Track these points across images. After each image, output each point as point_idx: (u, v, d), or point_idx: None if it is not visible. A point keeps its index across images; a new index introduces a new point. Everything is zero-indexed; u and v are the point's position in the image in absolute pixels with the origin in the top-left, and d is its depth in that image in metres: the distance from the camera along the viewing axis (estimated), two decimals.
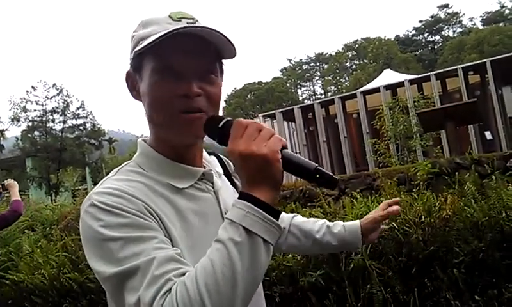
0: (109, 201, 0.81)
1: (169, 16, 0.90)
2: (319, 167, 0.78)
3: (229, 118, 0.85)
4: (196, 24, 0.89)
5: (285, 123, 17.03)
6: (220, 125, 0.85)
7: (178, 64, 0.87)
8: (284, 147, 0.79)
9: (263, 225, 0.74)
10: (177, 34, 0.83)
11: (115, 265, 0.76)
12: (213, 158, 1.13)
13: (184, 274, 0.74)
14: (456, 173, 3.73)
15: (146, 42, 0.85)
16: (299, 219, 1.38)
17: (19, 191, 4.12)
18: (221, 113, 0.97)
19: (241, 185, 0.81)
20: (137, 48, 0.87)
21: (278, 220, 0.76)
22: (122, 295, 0.75)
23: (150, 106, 0.90)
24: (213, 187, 0.99)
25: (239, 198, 0.77)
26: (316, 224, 1.36)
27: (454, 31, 66.59)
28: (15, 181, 4.11)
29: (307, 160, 0.80)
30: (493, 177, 3.29)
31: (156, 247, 0.77)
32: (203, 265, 0.72)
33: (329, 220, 3.20)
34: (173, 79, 0.86)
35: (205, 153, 1.05)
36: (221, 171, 1.11)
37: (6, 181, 4.13)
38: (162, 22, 0.89)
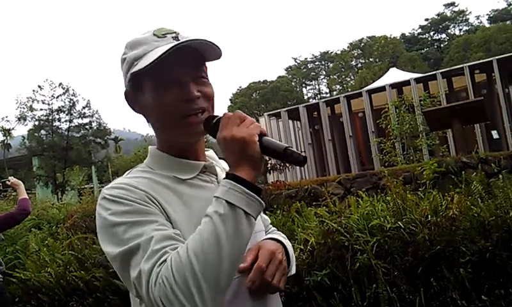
0: (115, 193, 0.93)
1: (154, 34, 1.00)
2: (288, 148, 0.90)
3: (221, 116, 0.97)
4: (179, 36, 1.00)
5: (290, 121, 17.02)
6: (213, 121, 0.97)
7: (177, 75, 0.98)
8: (263, 134, 0.92)
9: (243, 199, 0.85)
10: (171, 49, 0.93)
11: (120, 246, 0.87)
12: (223, 161, 1.19)
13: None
14: (463, 172, 3.72)
15: (142, 63, 0.94)
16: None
17: (25, 190, 4.11)
18: (225, 111, 1.09)
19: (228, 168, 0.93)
20: (134, 70, 0.96)
21: (259, 195, 0.87)
22: (128, 272, 0.86)
23: (158, 115, 1.01)
24: (216, 178, 1.08)
25: (225, 178, 0.88)
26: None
27: (460, 29, 66.18)
28: (19, 180, 4.07)
29: (279, 142, 0.93)
30: (500, 176, 3.27)
31: (155, 228, 0.87)
32: (193, 237, 0.83)
33: (335, 220, 3.19)
34: (175, 89, 0.97)
35: (213, 154, 1.17)
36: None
37: (8, 179, 4.08)
38: (149, 41, 0.98)
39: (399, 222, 2.93)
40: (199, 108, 0.99)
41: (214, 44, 0.98)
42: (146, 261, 0.82)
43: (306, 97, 66.46)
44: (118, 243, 0.88)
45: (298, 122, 17.03)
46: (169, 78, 0.97)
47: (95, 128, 25.78)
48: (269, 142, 0.92)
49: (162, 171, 1.02)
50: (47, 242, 5.06)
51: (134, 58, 0.97)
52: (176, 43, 0.94)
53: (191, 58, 0.99)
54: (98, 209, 0.95)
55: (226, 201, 0.84)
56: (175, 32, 1.00)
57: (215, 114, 1.02)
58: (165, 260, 0.82)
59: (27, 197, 3.97)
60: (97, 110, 26.22)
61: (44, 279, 4.19)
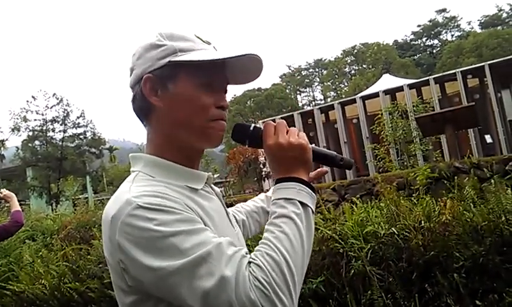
0: (156, 202, 0.84)
1: (197, 37, 1.01)
2: (337, 156, 1.03)
3: (254, 124, 1.04)
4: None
5: None
6: (251, 128, 1.02)
7: (218, 82, 1.00)
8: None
9: (310, 198, 0.93)
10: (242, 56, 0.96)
11: (182, 257, 0.79)
12: None
13: (247, 252, 0.84)
14: (455, 177, 3.73)
15: (198, 56, 0.95)
16: (246, 205, 1.47)
17: (20, 201, 4.05)
18: None
19: (276, 173, 0.97)
20: (182, 58, 0.95)
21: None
22: (194, 285, 0.78)
23: (189, 112, 0.97)
24: (214, 191, 1.07)
25: (283, 181, 0.94)
26: (262, 199, 1.48)
27: (452, 35, 66.79)
28: (11, 192, 4.00)
29: (326, 149, 1.05)
30: (492, 181, 3.30)
31: (213, 235, 0.84)
32: (276, 236, 0.85)
33: (329, 227, 3.19)
34: (212, 93, 0.98)
35: None
36: None
37: (0, 191, 4.00)
38: (195, 40, 1.00)
39: (393, 229, 2.94)
40: (225, 118, 1.01)
41: (260, 68, 1.03)
42: (226, 266, 0.78)
43: (300, 104, 66.64)
44: (177, 254, 0.79)
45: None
46: (210, 81, 0.98)
47: (90, 138, 25.61)
48: (318, 149, 1.03)
49: (169, 179, 0.94)
50: (41, 253, 5.03)
51: (179, 49, 0.96)
52: (246, 53, 0.96)
53: (225, 73, 1.02)
54: (134, 220, 0.82)
55: (299, 202, 0.91)
56: (211, 43, 1.04)
57: None
58: (248, 262, 0.81)
59: (20, 209, 3.93)
60: (91, 120, 25.98)
61: (38, 291, 4.16)
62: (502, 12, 61.40)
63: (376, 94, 15.46)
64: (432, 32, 66.98)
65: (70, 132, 25.01)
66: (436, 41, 67.84)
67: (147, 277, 0.82)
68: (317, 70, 72.81)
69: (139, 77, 0.99)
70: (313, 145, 1.00)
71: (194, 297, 0.78)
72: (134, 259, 0.82)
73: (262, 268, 0.79)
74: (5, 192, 3.93)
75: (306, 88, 73.18)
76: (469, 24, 68.52)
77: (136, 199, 0.84)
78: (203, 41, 1.00)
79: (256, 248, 0.85)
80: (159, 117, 0.99)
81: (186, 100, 0.96)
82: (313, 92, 73.43)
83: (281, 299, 0.78)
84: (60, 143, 24.40)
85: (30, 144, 24.60)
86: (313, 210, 0.94)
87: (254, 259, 0.82)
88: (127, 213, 0.83)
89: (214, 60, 0.94)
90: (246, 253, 0.84)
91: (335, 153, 1.04)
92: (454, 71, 15.04)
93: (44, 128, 24.35)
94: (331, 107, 16.51)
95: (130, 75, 1.02)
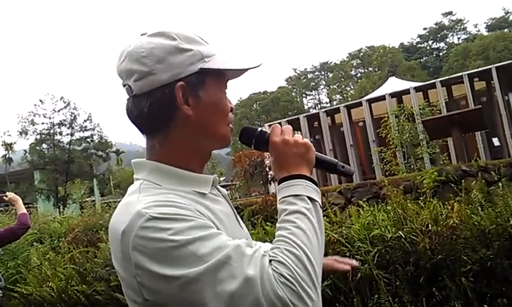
0: (168, 211, 0.82)
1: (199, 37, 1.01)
2: (339, 162, 1.07)
3: (261, 128, 1.08)
4: None
5: None
6: (258, 130, 1.06)
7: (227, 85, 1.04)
8: None
9: (316, 193, 0.96)
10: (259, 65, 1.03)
11: (201, 263, 0.78)
12: None
13: (266, 251, 0.84)
14: (463, 181, 3.72)
15: (226, 64, 0.97)
16: None
17: (27, 204, 4.08)
18: None
19: (280, 171, 0.99)
20: (215, 66, 0.95)
21: None
22: (216, 289, 0.77)
23: (217, 116, 0.99)
24: (220, 192, 1.05)
25: (288, 180, 0.96)
26: None
27: (458, 38, 66.55)
28: (16, 195, 3.99)
29: (328, 157, 1.09)
30: (500, 184, 3.28)
31: (228, 239, 0.83)
32: (292, 232, 0.87)
33: (336, 230, 3.19)
34: (227, 97, 1.03)
35: None
36: None
37: (6, 194, 3.99)
38: (204, 42, 0.99)
39: (400, 232, 2.93)
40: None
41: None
42: (248, 267, 0.78)
43: (306, 107, 66.65)
44: (197, 261, 0.77)
45: (299, 132, 16.94)
46: (226, 86, 1.02)
47: (97, 141, 25.82)
48: (321, 155, 1.07)
49: (176, 186, 0.92)
50: (48, 256, 5.06)
51: (207, 55, 0.95)
52: (260, 62, 1.01)
53: None
54: (147, 232, 0.80)
55: (308, 197, 0.93)
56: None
57: None
58: (269, 261, 0.80)
59: (26, 211, 3.95)
60: (98, 124, 26.25)
61: (46, 293, 4.19)
62: (508, 14, 61.10)
63: (382, 97, 15.39)
64: (439, 35, 66.79)
65: (77, 135, 25.25)
66: (442, 44, 67.65)
67: (167, 288, 0.79)
68: (323, 73, 72.85)
69: (163, 82, 0.91)
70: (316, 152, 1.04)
71: (219, 302, 0.76)
72: (152, 272, 0.79)
73: (285, 264, 0.80)
74: (10, 195, 3.94)
75: (312, 91, 73.21)
76: (475, 27, 68.26)
77: (147, 210, 0.82)
78: (206, 41, 1.01)
79: (273, 246, 0.85)
80: (185, 126, 0.94)
81: (216, 107, 0.98)
82: (319, 95, 73.47)
83: (307, 293, 0.79)
84: (67, 146, 24.61)
85: (38, 148, 24.82)
86: (321, 204, 0.96)
87: (274, 256, 0.81)
88: (139, 226, 0.81)
89: (250, 68, 0.99)
90: (265, 252, 0.83)
91: (337, 160, 1.08)
92: (460, 74, 14.92)
93: (51, 131, 24.58)
94: (337, 110, 16.46)
95: (139, 79, 0.92)
